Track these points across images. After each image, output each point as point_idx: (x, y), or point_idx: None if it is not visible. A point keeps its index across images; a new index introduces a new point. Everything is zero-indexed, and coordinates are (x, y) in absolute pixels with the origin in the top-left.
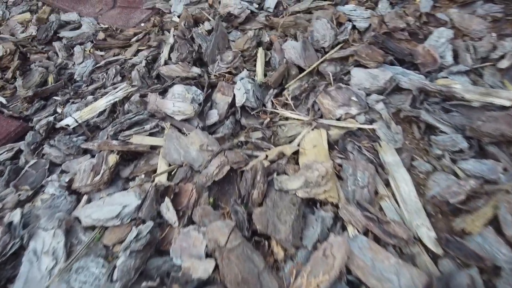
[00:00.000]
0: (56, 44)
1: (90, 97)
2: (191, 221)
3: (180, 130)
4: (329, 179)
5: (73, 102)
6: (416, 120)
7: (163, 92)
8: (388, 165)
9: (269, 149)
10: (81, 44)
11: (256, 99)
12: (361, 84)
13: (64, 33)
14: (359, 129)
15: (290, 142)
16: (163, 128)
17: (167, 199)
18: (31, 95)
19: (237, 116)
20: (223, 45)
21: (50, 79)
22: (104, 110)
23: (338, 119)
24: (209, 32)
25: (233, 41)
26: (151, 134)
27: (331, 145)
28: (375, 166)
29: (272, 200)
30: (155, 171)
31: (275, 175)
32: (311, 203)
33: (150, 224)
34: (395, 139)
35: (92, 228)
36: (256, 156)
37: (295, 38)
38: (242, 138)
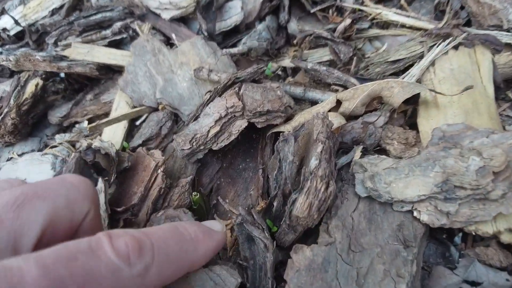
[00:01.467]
0: None
1: None
2: None
3: (168, 39)
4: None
5: None
6: None
7: None
8: None
9: (346, 87)
10: None
11: None
12: None
13: None
14: None
15: (394, 74)
16: (137, 34)
17: (100, 184)
18: None
19: (282, 15)
20: None
21: None
22: (61, 6)
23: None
24: None
25: None
26: (115, 44)
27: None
28: None
29: (349, 224)
30: (107, 114)
31: (356, 153)
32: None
33: None
34: None
35: None
36: (315, 103)
37: None
38: (286, 61)
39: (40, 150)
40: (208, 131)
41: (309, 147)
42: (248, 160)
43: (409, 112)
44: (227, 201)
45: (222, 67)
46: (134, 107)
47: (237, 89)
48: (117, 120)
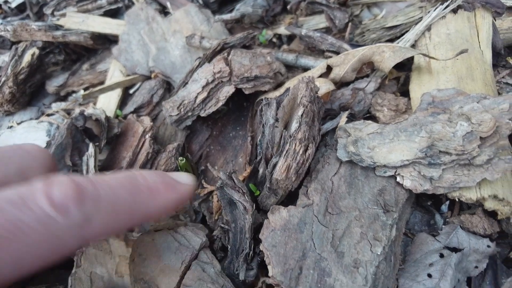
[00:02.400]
0: None
1: None
2: None
3: (163, 8)
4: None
5: None
6: None
7: None
8: None
9: (338, 53)
10: None
11: None
12: None
13: None
14: None
15: (389, 41)
16: (132, 3)
17: (91, 149)
18: None
19: None
20: None
21: None
22: None
23: None
24: None
25: None
26: (110, 14)
27: (498, 53)
28: None
29: (328, 188)
30: (103, 83)
31: (342, 119)
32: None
33: None
34: None
35: None
36: (307, 70)
37: None
38: (281, 29)
39: (37, 118)
40: (196, 97)
41: (293, 111)
42: (239, 128)
43: (402, 79)
44: (216, 167)
45: (215, 34)
46: (128, 75)
47: (225, 54)
48: (111, 88)
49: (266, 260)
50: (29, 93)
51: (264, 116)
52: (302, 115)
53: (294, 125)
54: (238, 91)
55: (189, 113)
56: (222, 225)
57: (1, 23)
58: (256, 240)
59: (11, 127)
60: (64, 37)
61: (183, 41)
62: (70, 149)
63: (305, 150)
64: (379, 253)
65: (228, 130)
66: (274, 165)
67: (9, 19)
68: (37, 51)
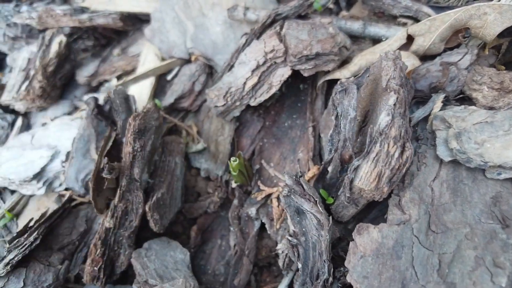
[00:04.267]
0: None
1: None
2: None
3: None
4: None
5: None
6: None
7: None
8: None
9: (417, 19)
10: None
11: None
12: None
13: None
14: None
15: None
16: None
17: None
18: None
19: None
20: None
21: None
22: None
23: None
24: None
25: None
26: None
27: None
28: None
29: (428, 197)
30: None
31: (436, 104)
32: None
33: None
34: None
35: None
36: (377, 41)
37: None
38: None
39: (70, 113)
40: (244, 83)
41: (375, 98)
42: (295, 116)
43: (503, 48)
44: (271, 165)
45: (261, 4)
46: (164, 59)
47: (278, 28)
48: (146, 75)
49: None
50: (60, 85)
51: (340, 106)
52: (394, 105)
53: (384, 118)
54: (294, 73)
55: (237, 103)
56: (290, 238)
57: (26, 10)
58: (334, 260)
59: (45, 124)
60: (91, 20)
61: (224, 15)
62: (95, 140)
63: (402, 152)
64: (503, 286)
65: (283, 119)
66: (356, 169)
67: (35, 5)
68: (64, 39)
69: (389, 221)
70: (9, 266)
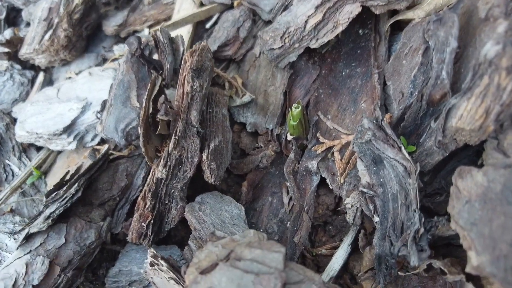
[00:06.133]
0: None
1: None
2: None
3: None
4: None
5: None
6: None
7: None
8: None
9: None
10: None
11: None
12: None
13: None
14: None
15: None
16: None
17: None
18: None
19: None
20: None
21: None
22: None
23: None
24: None
25: None
26: None
27: None
28: None
29: None
30: (171, 18)
31: None
32: None
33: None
34: None
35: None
36: None
37: None
38: None
39: (98, 65)
40: (306, 21)
41: (470, 31)
42: (354, 64)
43: None
44: (329, 117)
45: None
46: (203, 5)
47: None
48: (184, 22)
49: (464, 244)
50: (85, 36)
51: (433, 38)
52: (506, 32)
53: (492, 48)
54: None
55: (296, 45)
56: (365, 190)
57: None
58: (422, 211)
59: (69, 78)
60: None
61: None
62: (136, 87)
63: None
64: None
65: (340, 68)
66: (450, 109)
67: None
68: None
69: (491, 165)
70: (50, 220)
